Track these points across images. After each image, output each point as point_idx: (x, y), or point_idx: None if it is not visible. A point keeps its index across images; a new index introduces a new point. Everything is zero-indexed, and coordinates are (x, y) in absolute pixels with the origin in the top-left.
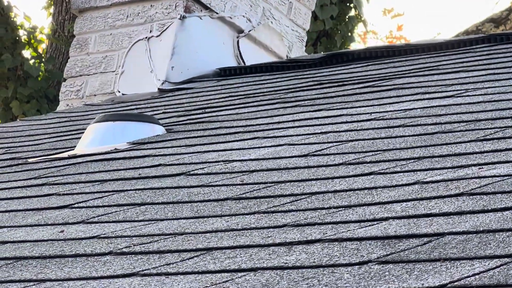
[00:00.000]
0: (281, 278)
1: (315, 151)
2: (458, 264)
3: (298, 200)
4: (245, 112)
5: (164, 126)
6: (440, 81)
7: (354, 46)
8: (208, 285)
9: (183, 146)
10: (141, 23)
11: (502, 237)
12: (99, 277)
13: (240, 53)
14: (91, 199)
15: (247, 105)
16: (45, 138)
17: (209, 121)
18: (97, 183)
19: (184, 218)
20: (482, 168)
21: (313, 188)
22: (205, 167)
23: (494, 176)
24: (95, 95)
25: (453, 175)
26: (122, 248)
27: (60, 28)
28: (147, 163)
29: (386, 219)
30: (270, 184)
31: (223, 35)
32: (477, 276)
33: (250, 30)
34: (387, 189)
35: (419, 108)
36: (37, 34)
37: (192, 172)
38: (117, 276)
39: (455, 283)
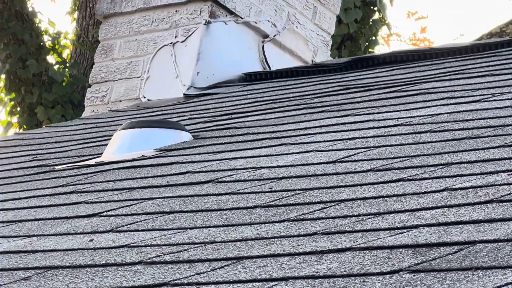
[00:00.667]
0: (312, 287)
1: (343, 158)
2: (490, 273)
3: (327, 207)
4: (271, 118)
5: (190, 133)
6: (466, 85)
7: (378, 49)
8: None
9: (210, 152)
10: (166, 29)
11: None
12: (130, 287)
13: (265, 58)
14: (119, 207)
15: (273, 110)
16: (71, 145)
17: (236, 127)
18: (125, 191)
19: (213, 227)
20: None
21: (342, 195)
22: (233, 174)
23: None
24: (120, 101)
25: (482, 182)
26: (152, 257)
27: (84, 33)
28: (174, 170)
29: (416, 226)
30: (299, 191)
31: (248, 40)
32: (510, 286)
33: (275, 35)
34: (416, 196)
35: (446, 113)
36: (62, 39)
37: (220, 180)
38: (148, 286)
39: None
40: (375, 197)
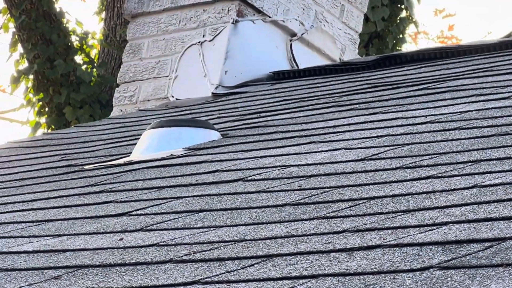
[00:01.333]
0: (342, 284)
1: (371, 155)
2: None
3: (356, 205)
4: (300, 116)
5: (219, 131)
6: (494, 82)
7: (406, 47)
8: None
9: (239, 151)
10: (194, 28)
11: None
12: (160, 286)
13: (293, 57)
14: (149, 206)
15: (302, 109)
16: (100, 145)
17: (265, 126)
18: (154, 190)
19: (243, 225)
20: None
21: (371, 193)
22: (262, 173)
23: None
24: (148, 100)
25: (511, 178)
26: (182, 256)
27: (112, 33)
28: (203, 169)
29: (446, 223)
30: (328, 189)
31: (276, 39)
32: None
33: (303, 34)
34: (446, 193)
35: (474, 110)
36: (89, 39)
37: (249, 178)
38: (178, 285)
39: None
40: (404, 195)
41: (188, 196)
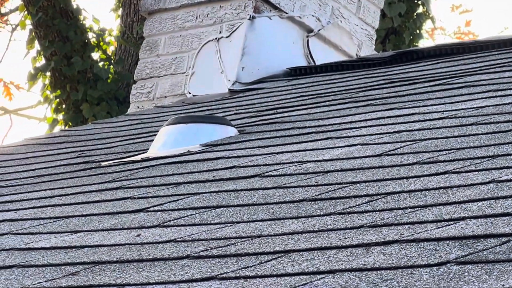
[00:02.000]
0: (360, 279)
1: (388, 151)
2: None
3: (373, 200)
4: (317, 112)
5: (236, 127)
6: (511, 78)
7: (423, 43)
8: None
9: (256, 147)
10: (211, 24)
11: None
12: (177, 281)
13: (310, 53)
14: (166, 203)
15: (318, 105)
16: (117, 141)
17: (282, 122)
18: (172, 186)
19: (260, 220)
20: None
21: (388, 188)
22: (279, 169)
23: None
24: (165, 96)
25: None
26: (199, 252)
27: (129, 29)
28: (220, 165)
29: (463, 219)
30: (345, 185)
31: (293, 35)
32: None
33: (319, 30)
34: (463, 188)
35: (491, 105)
36: (106, 36)
37: (266, 174)
38: (196, 280)
39: None
40: (421, 190)
41: (205, 192)
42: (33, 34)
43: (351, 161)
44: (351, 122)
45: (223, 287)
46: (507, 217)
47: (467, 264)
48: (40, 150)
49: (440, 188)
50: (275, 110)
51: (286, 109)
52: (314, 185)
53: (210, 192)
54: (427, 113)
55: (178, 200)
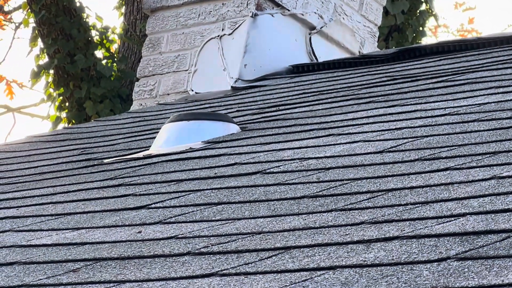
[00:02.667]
0: (360, 276)
1: (390, 147)
2: None
3: (374, 197)
4: (319, 109)
5: (238, 125)
6: None
7: (426, 40)
8: (287, 285)
9: (258, 144)
10: (213, 22)
11: None
12: (178, 278)
13: (312, 50)
14: (167, 199)
15: (321, 101)
16: (119, 138)
17: (284, 119)
18: (173, 183)
19: (261, 217)
20: None
21: (390, 185)
22: (280, 165)
23: None
24: (168, 94)
25: None
26: (200, 248)
27: (132, 27)
28: (222, 162)
29: (464, 215)
30: (346, 182)
31: (295, 32)
32: None
33: (322, 27)
34: (464, 184)
35: (493, 102)
36: (109, 34)
37: (268, 171)
38: (196, 277)
39: None
40: (422, 186)
41: (207, 189)
42: (36, 32)
43: (353, 157)
44: (353, 119)
45: (224, 283)
46: (508, 213)
47: (467, 260)
48: (42, 148)
49: (441, 184)
50: (277, 107)
51: (288, 106)
52: (315, 182)
53: (212, 188)
54: (429, 110)
55: (180, 197)
